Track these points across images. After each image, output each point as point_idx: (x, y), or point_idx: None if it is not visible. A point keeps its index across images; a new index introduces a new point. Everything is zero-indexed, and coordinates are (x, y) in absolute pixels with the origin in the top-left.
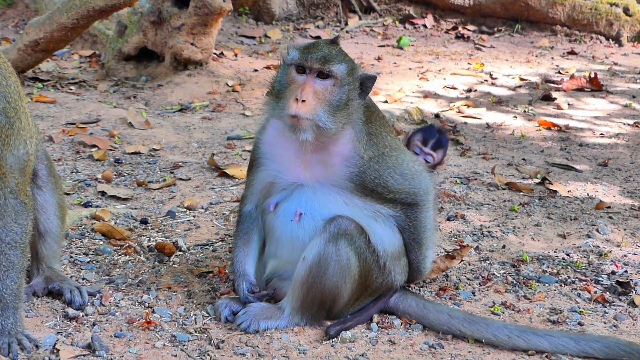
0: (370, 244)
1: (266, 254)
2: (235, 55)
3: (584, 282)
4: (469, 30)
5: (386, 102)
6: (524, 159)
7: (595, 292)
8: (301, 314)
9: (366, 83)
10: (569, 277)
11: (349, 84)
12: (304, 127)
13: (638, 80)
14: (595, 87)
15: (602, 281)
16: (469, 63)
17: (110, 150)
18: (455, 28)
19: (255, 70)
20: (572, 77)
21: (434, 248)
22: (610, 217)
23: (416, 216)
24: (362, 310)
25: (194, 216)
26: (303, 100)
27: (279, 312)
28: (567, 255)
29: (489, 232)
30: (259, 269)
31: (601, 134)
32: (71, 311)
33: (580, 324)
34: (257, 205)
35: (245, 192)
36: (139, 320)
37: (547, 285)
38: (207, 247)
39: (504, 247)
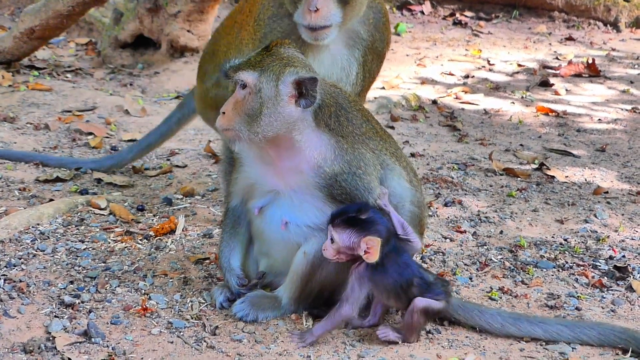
0: None
1: (256, 252)
2: None
3: (582, 267)
4: (466, 16)
5: (383, 88)
6: (521, 145)
7: (593, 277)
8: (298, 303)
9: (305, 85)
10: (567, 262)
11: (266, 91)
12: (230, 138)
13: (636, 66)
14: (593, 72)
15: (599, 266)
16: (466, 49)
17: (107, 137)
18: (452, 14)
19: None
20: (569, 62)
21: None
22: (608, 202)
23: None
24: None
25: (190, 203)
26: (223, 112)
27: (277, 302)
28: (565, 240)
29: (486, 217)
30: (252, 265)
31: (599, 119)
32: (67, 298)
33: (577, 309)
34: (242, 201)
35: (230, 188)
36: (135, 307)
37: (544, 270)
38: (204, 233)
39: (501, 232)
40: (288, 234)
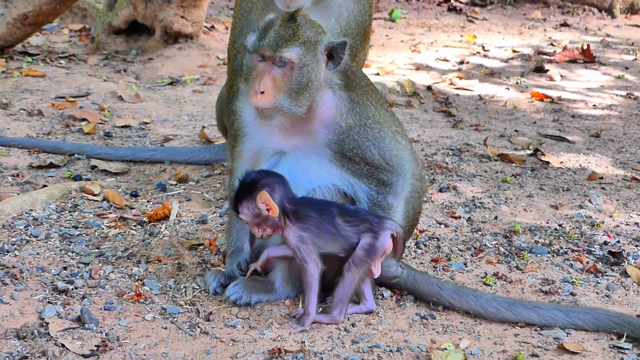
0: None
1: None
2: (226, 28)
3: (577, 253)
4: (461, 2)
5: (378, 74)
6: (516, 131)
7: (588, 263)
8: (291, 284)
9: (336, 50)
10: (561, 248)
11: (309, 63)
12: (269, 115)
13: (631, 52)
14: (587, 58)
15: (594, 251)
16: (461, 35)
17: (101, 123)
18: (447, 0)
19: None
20: (564, 48)
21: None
22: (603, 188)
23: (386, 198)
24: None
25: (184, 189)
26: (262, 92)
27: (270, 285)
28: (560, 226)
29: (481, 203)
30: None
31: (594, 105)
32: (61, 284)
33: (572, 294)
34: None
35: (232, 164)
36: (128, 292)
37: (539, 256)
38: (198, 219)
39: (496, 218)
40: None
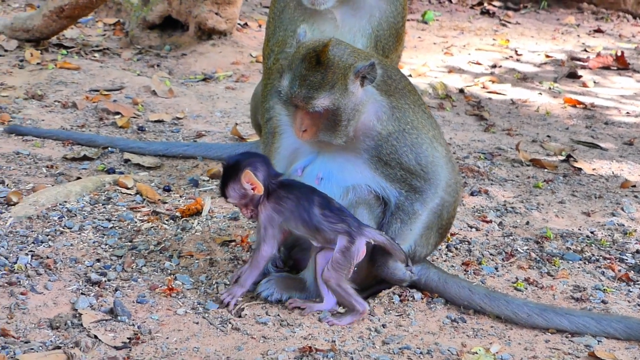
0: (385, 213)
1: None
2: (259, 26)
3: (608, 260)
4: (494, 6)
5: (410, 76)
6: (548, 136)
7: (620, 271)
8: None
9: (367, 72)
10: (593, 255)
11: (343, 100)
12: (316, 142)
13: None
14: (621, 65)
15: (626, 260)
16: (494, 39)
17: (134, 117)
18: (480, 3)
19: None
20: (598, 55)
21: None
22: (636, 196)
23: (413, 204)
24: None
25: (216, 185)
26: (304, 130)
27: (302, 283)
28: (592, 233)
29: (512, 208)
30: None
31: (627, 112)
32: (94, 276)
33: (603, 302)
34: (285, 169)
35: (271, 160)
36: (161, 286)
37: (570, 262)
38: (230, 216)
39: (527, 223)
40: (320, 190)
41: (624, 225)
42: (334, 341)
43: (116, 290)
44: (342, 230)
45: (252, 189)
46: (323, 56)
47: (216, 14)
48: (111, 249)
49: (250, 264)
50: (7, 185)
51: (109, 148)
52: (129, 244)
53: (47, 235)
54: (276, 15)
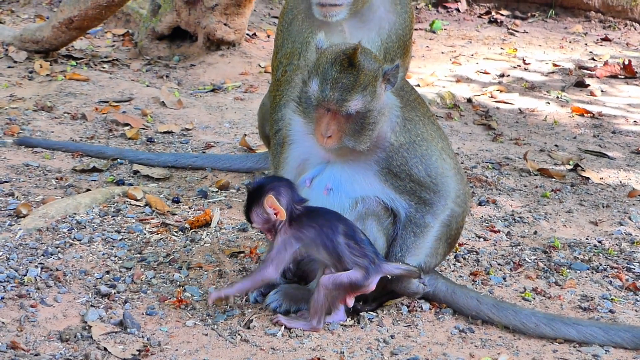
0: (396, 225)
1: None
2: (268, 36)
3: (616, 270)
4: (502, 15)
5: (418, 85)
6: (556, 145)
7: (627, 280)
8: None
9: (392, 74)
10: (601, 265)
11: (373, 103)
12: (335, 149)
13: None
14: (629, 74)
15: (634, 269)
16: (501, 48)
17: (143, 129)
18: (488, 12)
19: None
20: (605, 63)
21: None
22: None
23: (424, 216)
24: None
25: (225, 196)
26: (329, 136)
27: (309, 294)
28: (599, 242)
29: (520, 217)
30: None
31: (635, 121)
32: (103, 288)
33: (611, 311)
34: (293, 179)
35: (276, 172)
36: (170, 298)
37: (578, 272)
38: (239, 227)
39: (535, 233)
40: (328, 201)
41: (631, 234)
42: (343, 352)
43: (125, 302)
44: (362, 265)
45: (275, 213)
46: (355, 59)
47: (225, 24)
48: (120, 261)
49: (250, 276)
50: (17, 197)
51: (118, 159)
52: (138, 255)
53: (57, 248)
54: (284, 28)
